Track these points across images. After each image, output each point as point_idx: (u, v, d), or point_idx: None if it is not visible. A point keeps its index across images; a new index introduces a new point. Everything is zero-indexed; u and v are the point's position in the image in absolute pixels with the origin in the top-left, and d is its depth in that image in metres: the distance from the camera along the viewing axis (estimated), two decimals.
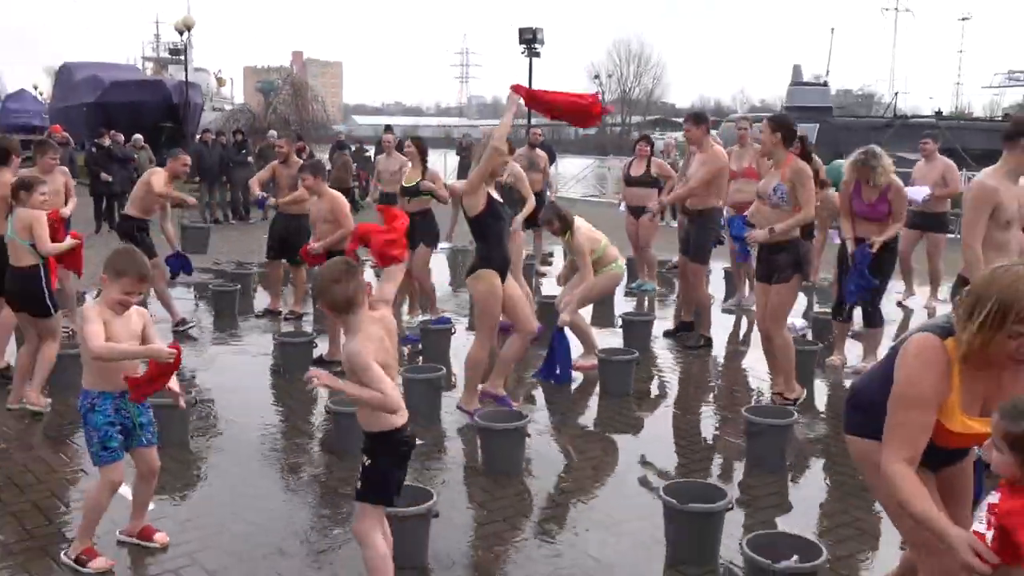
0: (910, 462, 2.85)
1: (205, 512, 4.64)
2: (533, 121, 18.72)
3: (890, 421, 2.91)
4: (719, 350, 8.28)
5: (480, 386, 6.18)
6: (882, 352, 7.55)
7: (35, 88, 63.95)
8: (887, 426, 2.92)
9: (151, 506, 4.63)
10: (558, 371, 6.96)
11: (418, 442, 5.64)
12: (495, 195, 5.89)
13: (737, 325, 9.34)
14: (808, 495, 5.06)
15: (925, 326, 2.95)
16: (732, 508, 4.23)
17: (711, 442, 5.94)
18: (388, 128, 13.60)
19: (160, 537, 4.24)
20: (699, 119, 8.13)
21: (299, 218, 9.26)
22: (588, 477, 5.25)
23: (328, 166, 20.94)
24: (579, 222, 7.35)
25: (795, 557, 3.62)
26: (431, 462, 5.43)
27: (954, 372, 2.82)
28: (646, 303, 10.45)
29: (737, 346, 8.57)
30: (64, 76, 35.73)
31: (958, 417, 2.84)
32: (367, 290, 3.37)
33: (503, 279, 5.91)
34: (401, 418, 3.39)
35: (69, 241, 6.18)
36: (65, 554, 4.04)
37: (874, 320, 7.42)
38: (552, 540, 4.43)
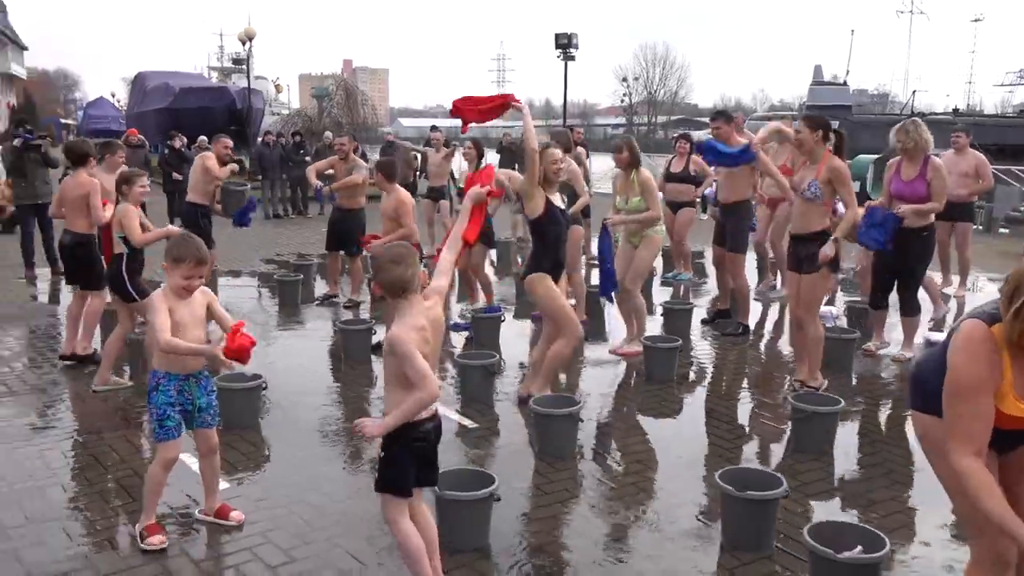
0: (978, 454, 2.61)
1: (275, 493, 4.50)
2: (571, 121, 18.49)
3: (948, 413, 2.68)
4: (754, 337, 8.00)
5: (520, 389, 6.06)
6: (919, 339, 7.32)
7: (113, 96, 64.87)
8: (947, 419, 2.69)
9: (225, 485, 4.53)
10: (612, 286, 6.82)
11: (473, 426, 5.58)
12: (555, 201, 5.64)
13: (766, 312, 9.04)
14: (854, 481, 4.79)
15: (975, 312, 2.70)
16: (788, 496, 4.00)
17: (754, 427, 5.68)
18: (435, 128, 13.63)
19: (236, 515, 4.14)
20: (727, 116, 7.91)
21: (354, 212, 9.23)
22: (638, 461, 5.03)
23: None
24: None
25: (859, 548, 3.38)
26: (487, 445, 5.26)
27: (1004, 357, 2.58)
28: (681, 291, 10.19)
29: (771, 333, 8.29)
30: (139, 84, 36.03)
31: (1011, 401, 2.61)
32: (422, 279, 3.17)
33: (556, 280, 5.69)
34: (417, 416, 3.13)
35: (159, 232, 6.12)
36: (135, 525, 3.95)
37: (911, 309, 7.12)
38: (609, 523, 4.22)
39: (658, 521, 4.23)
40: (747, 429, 5.64)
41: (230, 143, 9.33)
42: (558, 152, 5.60)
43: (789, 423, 5.37)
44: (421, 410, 3.04)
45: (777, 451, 5.25)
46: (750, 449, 5.28)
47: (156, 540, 3.84)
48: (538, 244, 5.72)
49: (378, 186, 7.50)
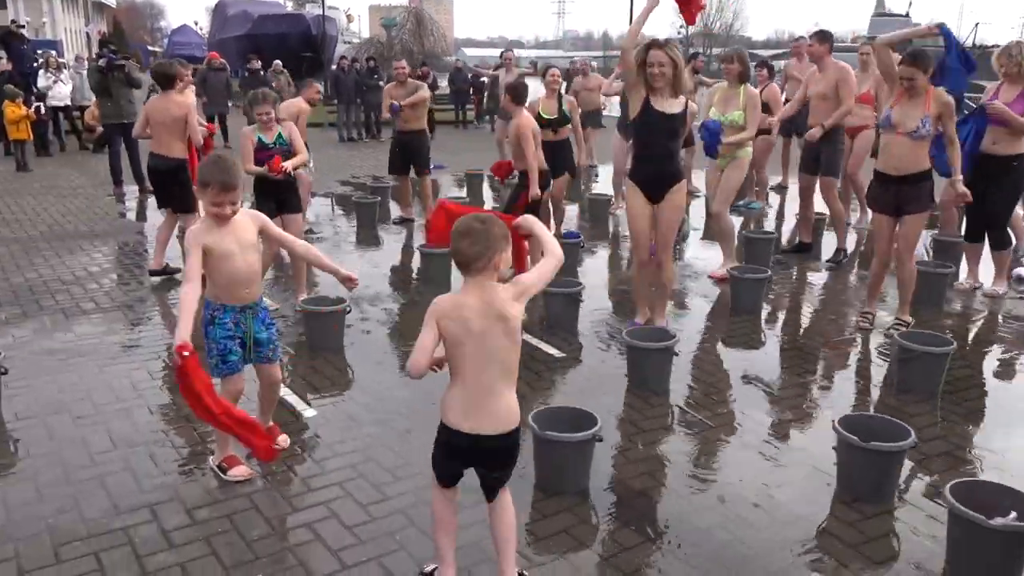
0: None
1: (363, 420, 4.09)
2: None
3: None
4: (835, 268, 7.29)
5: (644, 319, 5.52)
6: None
7: (195, 23, 64.36)
8: None
9: (312, 413, 4.15)
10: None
11: (560, 355, 5.08)
12: (658, 106, 4.88)
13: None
14: (967, 427, 4.19)
15: None
16: (916, 446, 3.44)
17: (850, 364, 5.09)
18: (508, 48, 12.88)
19: (282, 440, 3.77)
20: (824, 37, 7.23)
21: (416, 134, 8.60)
22: (735, 399, 4.47)
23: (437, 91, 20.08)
24: None
25: (1013, 514, 2.82)
26: (576, 376, 4.77)
27: None
28: (752, 221, 9.45)
29: (853, 264, 7.55)
30: (219, 12, 35.32)
31: None
32: (496, 263, 2.48)
33: (647, 195, 5.06)
34: (451, 418, 2.54)
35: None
36: (211, 459, 3.58)
37: (1002, 242, 6.39)
38: (710, 465, 3.71)
39: (764, 465, 3.72)
40: (843, 366, 5.05)
41: (320, 88, 8.85)
42: (658, 55, 4.85)
43: (891, 362, 4.78)
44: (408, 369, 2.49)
45: (876, 391, 4.66)
46: (850, 388, 4.70)
47: (241, 471, 3.47)
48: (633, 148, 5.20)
49: (505, 108, 6.77)
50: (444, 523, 2.74)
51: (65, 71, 14.85)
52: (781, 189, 11.23)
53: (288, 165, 5.55)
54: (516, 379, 2.56)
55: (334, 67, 19.65)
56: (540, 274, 2.62)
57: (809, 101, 7.22)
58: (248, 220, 3.40)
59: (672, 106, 4.90)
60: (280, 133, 5.61)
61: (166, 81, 6.37)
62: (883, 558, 3.04)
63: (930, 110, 5.09)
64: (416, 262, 7.20)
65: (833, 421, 3.52)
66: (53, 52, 16.46)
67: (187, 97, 7.01)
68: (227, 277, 3.30)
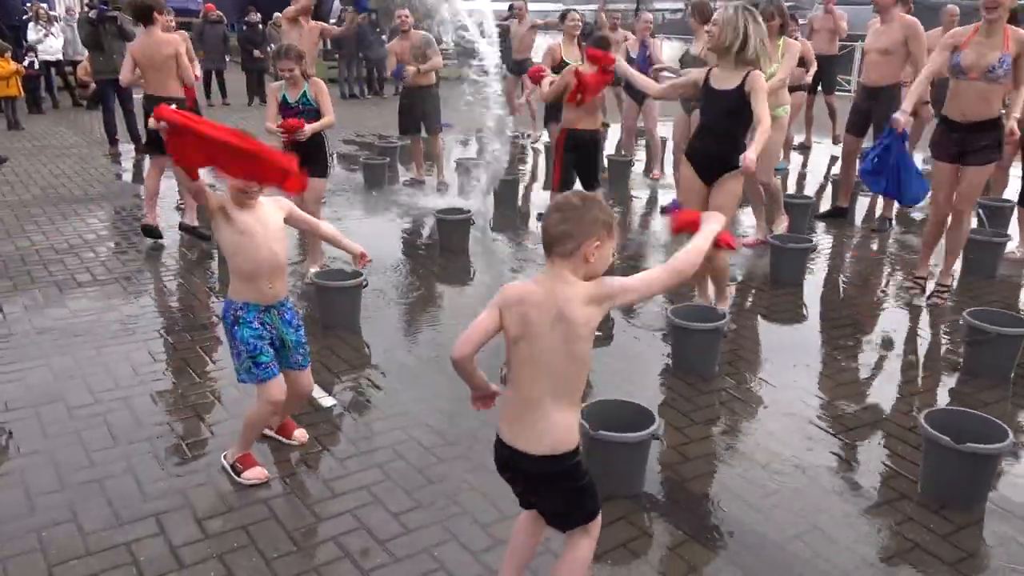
0: None
1: (388, 413, 3.69)
2: (629, 5, 16.39)
3: None
4: (876, 234, 6.87)
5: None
6: None
7: None
8: None
9: (331, 401, 3.76)
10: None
11: (596, 333, 4.68)
12: (713, 82, 4.43)
13: (873, 206, 7.82)
14: None
15: None
16: (1016, 448, 3.07)
17: (912, 343, 4.70)
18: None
19: (299, 434, 3.40)
20: None
21: (427, 90, 8.05)
22: (790, 384, 4.06)
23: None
24: None
25: None
26: (610, 360, 4.36)
27: None
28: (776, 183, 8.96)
29: (898, 230, 7.13)
30: None
31: None
32: (585, 252, 1.99)
33: (696, 171, 4.60)
34: (501, 423, 2.17)
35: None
36: (223, 456, 3.19)
37: None
38: (774, 465, 3.33)
39: (834, 464, 3.34)
40: (901, 345, 4.66)
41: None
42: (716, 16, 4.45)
43: (960, 344, 4.40)
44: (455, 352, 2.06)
45: (942, 375, 4.27)
46: (915, 373, 4.31)
47: (256, 474, 3.09)
48: None
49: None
50: (512, 545, 2.39)
51: (56, 24, 14.21)
52: (804, 149, 10.74)
53: (307, 130, 5.05)
54: (578, 400, 2.13)
55: (333, 21, 18.92)
56: (644, 282, 2.08)
57: (864, 55, 6.69)
58: (273, 206, 3.02)
59: (727, 81, 4.38)
60: (305, 92, 5.12)
61: (146, 13, 5.88)
62: None
63: (1009, 49, 4.66)
64: (430, 228, 6.76)
65: (919, 417, 3.14)
66: (44, 4, 15.77)
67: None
68: (250, 264, 2.91)
